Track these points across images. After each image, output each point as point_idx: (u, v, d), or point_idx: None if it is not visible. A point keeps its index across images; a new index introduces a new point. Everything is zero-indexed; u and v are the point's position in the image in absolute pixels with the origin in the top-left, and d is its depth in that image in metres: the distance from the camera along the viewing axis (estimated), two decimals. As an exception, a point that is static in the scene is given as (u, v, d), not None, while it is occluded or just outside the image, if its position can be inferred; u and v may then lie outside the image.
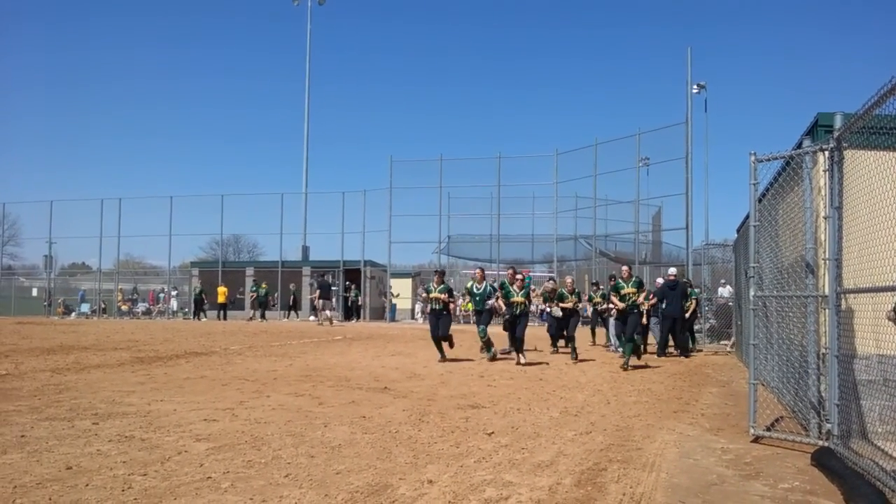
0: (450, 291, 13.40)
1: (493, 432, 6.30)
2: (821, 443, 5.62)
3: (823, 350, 5.69)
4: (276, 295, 34.16)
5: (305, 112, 40.80)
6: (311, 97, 39.99)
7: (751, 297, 6.80)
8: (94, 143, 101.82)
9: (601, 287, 18.87)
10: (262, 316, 31.71)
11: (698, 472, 5.12)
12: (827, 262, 5.54)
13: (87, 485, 4.47)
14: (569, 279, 15.79)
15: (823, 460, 5.19)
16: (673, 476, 4.95)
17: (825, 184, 5.67)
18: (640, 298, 12.68)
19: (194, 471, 4.86)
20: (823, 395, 5.71)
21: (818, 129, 6.60)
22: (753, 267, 6.66)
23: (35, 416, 6.78)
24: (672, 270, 16.61)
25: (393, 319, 32.39)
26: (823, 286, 5.70)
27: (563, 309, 14.94)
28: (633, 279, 12.79)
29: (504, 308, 12.90)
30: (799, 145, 6.39)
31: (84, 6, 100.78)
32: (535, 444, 5.85)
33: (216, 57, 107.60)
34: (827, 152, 5.63)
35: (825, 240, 5.61)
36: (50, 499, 4.16)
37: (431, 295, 13.31)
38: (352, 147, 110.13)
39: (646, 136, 27.50)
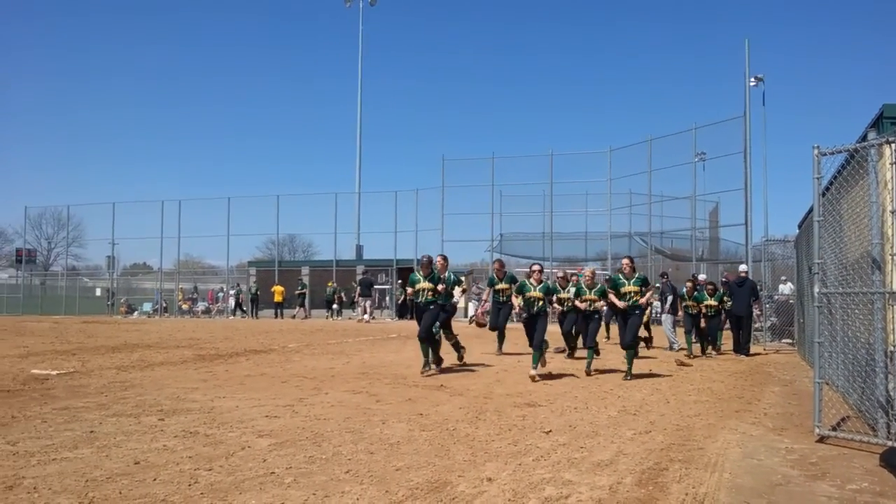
0: (513, 279, 13.64)
1: (550, 430, 6.28)
2: (889, 443, 5.45)
3: (891, 348, 5.53)
4: (342, 293, 34.40)
5: (358, 112, 41.28)
6: (364, 97, 40.35)
7: (815, 294, 6.64)
8: (155, 146, 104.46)
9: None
10: (336, 314, 32.50)
11: (762, 472, 5.03)
12: (894, 257, 5.38)
13: (154, 479, 4.61)
14: (588, 270, 13.11)
15: (893, 461, 5.04)
16: (736, 476, 4.86)
17: (892, 177, 5.50)
18: (644, 299, 10.75)
19: (258, 466, 4.97)
20: (892, 394, 5.55)
21: (884, 120, 6.41)
22: (818, 263, 6.50)
23: (103, 413, 7.01)
24: (743, 267, 16.38)
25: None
26: (891, 282, 5.54)
27: (579, 308, 12.63)
28: (637, 276, 10.75)
29: (519, 307, 11.01)
30: (864, 138, 6.20)
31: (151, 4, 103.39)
32: (593, 443, 5.82)
33: (270, 58, 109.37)
34: (893, 145, 5.46)
35: (892, 235, 5.45)
36: (120, 493, 4.30)
37: (496, 287, 13.58)
38: (404, 146, 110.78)
39: (702, 131, 27.00)
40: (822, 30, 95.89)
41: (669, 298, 15.96)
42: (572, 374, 10.72)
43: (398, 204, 34.73)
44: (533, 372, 9.82)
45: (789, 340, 17.50)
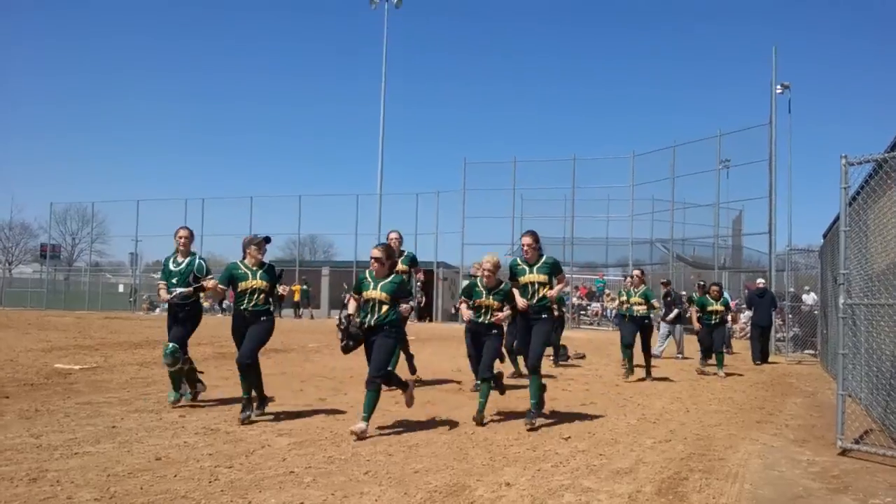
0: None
1: (569, 437, 6.26)
2: (915, 458, 5.39)
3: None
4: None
5: (381, 113, 41.24)
6: (387, 98, 40.44)
7: (840, 305, 6.57)
8: (178, 144, 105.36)
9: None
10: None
11: (783, 484, 4.98)
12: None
13: (175, 475, 4.65)
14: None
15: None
16: (757, 487, 4.82)
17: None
18: (553, 293, 8.28)
19: (277, 465, 5.00)
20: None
21: (913, 130, 6.32)
22: (843, 273, 6.43)
23: (125, 408, 7.08)
24: (761, 281, 16.33)
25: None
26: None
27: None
28: (544, 260, 7.37)
29: (468, 316, 7.53)
30: (892, 147, 6.14)
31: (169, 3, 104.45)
32: (613, 451, 5.79)
33: (295, 58, 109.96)
34: (924, 155, 5.39)
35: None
36: (141, 488, 4.34)
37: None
38: (425, 148, 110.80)
39: (727, 138, 26.73)
40: (849, 38, 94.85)
41: (675, 311, 15.35)
42: (592, 381, 10.66)
43: (419, 206, 34.79)
44: (477, 418, 6.80)
45: (812, 351, 17.33)
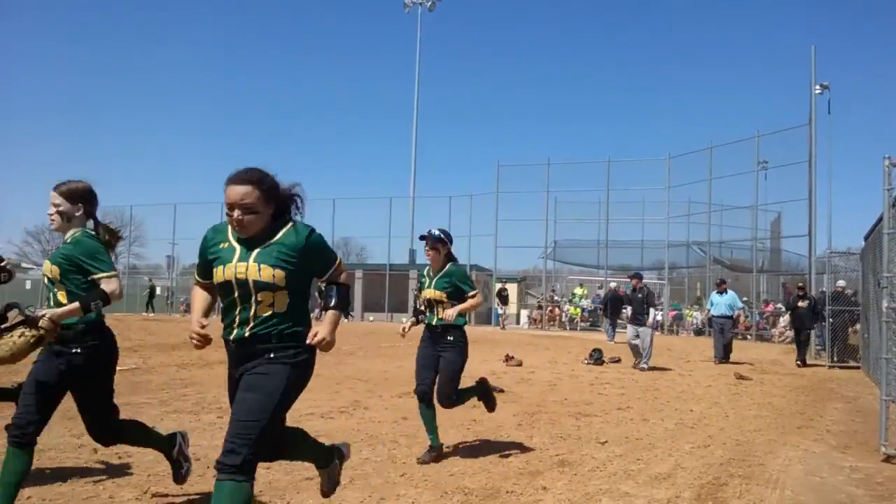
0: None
1: (606, 441, 6.20)
2: (964, 467, 5.25)
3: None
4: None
5: (414, 116, 41.44)
6: (420, 101, 40.57)
7: (884, 309, 6.43)
8: (213, 148, 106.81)
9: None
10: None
11: (826, 490, 4.89)
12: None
13: (214, 476, 4.69)
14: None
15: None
16: (799, 494, 4.74)
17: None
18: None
19: (311, 468, 5.01)
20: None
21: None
22: (887, 277, 6.30)
23: (164, 409, 7.18)
24: (841, 283, 16.10)
25: (498, 324, 32.37)
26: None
27: None
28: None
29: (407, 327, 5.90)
30: (940, 148, 5.99)
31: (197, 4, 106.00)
32: (650, 456, 5.73)
33: (328, 62, 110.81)
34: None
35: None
36: (181, 488, 4.39)
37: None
38: (459, 151, 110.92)
39: (765, 139, 26.37)
40: (891, 37, 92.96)
41: (653, 312, 13.57)
42: (627, 385, 10.57)
43: (452, 209, 34.80)
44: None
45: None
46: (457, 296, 5.49)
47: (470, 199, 34.22)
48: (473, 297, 5.50)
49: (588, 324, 30.31)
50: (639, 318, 13.25)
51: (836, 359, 15.08)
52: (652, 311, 13.39)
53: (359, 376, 10.35)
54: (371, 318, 34.47)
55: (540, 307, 32.49)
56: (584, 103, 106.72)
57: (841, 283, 16.01)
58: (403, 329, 5.84)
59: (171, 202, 41.57)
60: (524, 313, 31.36)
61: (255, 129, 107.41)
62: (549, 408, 7.99)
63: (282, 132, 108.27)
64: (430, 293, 5.55)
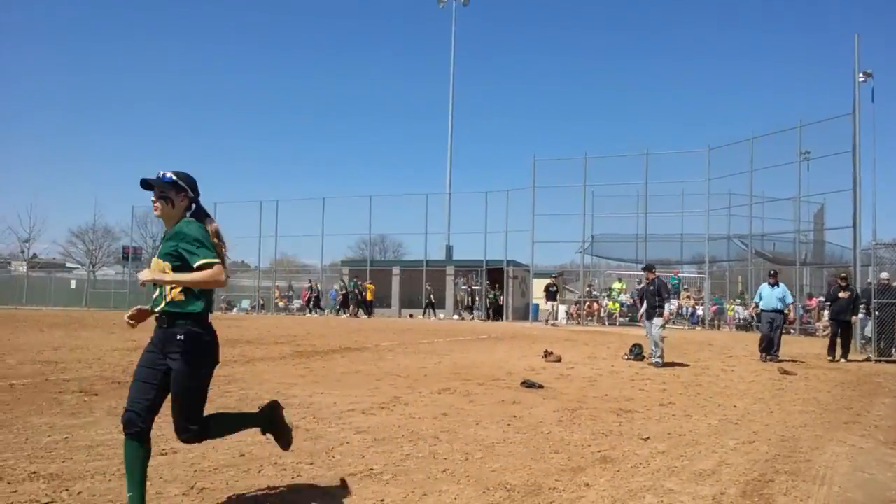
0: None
1: (648, 438, 6.14)
2: None
3: None
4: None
5: (450, 112, 41.45)
6: (455, 97, 40.52)
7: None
8: (252, 148, 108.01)
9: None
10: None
11: (874, 487, 4.78)
12: None
13: (259, 471, 4.77)
14: None
15: None
16: (847, 490, 4.65)
17: None
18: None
19: (357, 462, 5.06)
20: None
21: None
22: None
23: (208, 406, 7.24)
24: (885, 275, 15.77)
25: (536, 320, 32.26)
26: None
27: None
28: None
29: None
30: None
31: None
32: (694, 452, 5.66)
33: (363, 59, 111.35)
34: None
35: None
36: (227, 483, 4.46)
37: None
38: (495, 147, 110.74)
39: (807, 129, 25.83)
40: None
41: (668, 306, 13.13)
42: (669, 381, 10.45)
43: (488, 205, 34.76)
44: None
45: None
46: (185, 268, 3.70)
47: (506, 194, 34.17)
48: (204, 267, 3.64)
49: (627, 319, 30.04)
50: (652, 313, 12.90)
51: (882, 353, 14.77)
52: (667, 305, 13.04)
53: (398, 372, 10.39)
54: (410, 315, 34.58)
55: (577, 303, 32.31)
56: (620, 97, 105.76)
57: (884, 274, 15.65)
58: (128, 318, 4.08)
59: (212, 201, 42.01)
60: (562, 309, 31.18)
61: (291, 127, 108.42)
62: (589, 404, 7.94)
63: (317, 130, 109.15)
64: (157, 263, 3.80)
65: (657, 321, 12.77)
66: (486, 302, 34.02)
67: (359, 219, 39.38)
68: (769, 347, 13.94)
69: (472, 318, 33.63)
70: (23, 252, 57.53)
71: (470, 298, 34.73)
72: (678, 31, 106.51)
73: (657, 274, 13.52)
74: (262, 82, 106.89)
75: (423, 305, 34.45)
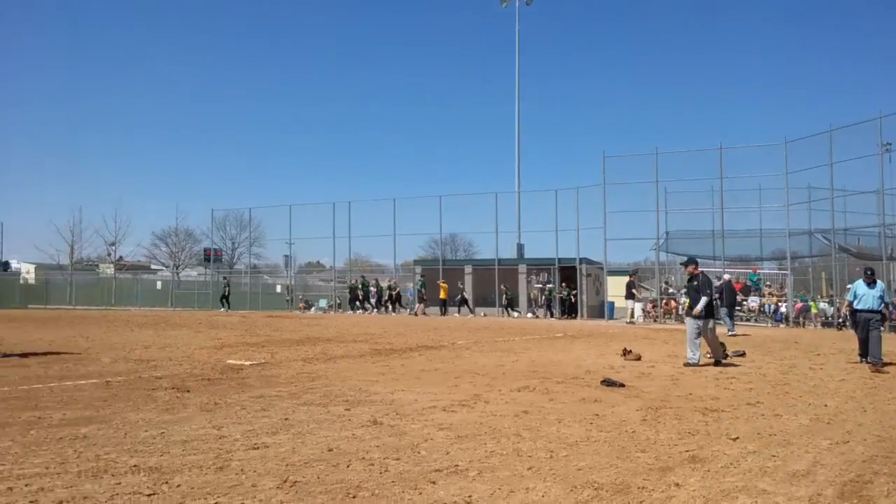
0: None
1: (737, 437, 6.01)
2: None
3: None
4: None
5: (516, 110, 41.30)
6: (522, 95, 40.35)
7: None
8: (326, 149, 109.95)
9: None
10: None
11: (984, 491, 4.56)
12: None
13: (348, 466, 4.86)
14: None
15: None
16: (954, 494, 4.45)
17: None
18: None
19: (442, 458, 5.11)
20: None
21: None
22: None
23: (294, 402, 7.46)
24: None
25: (612, 318, 31.83)
26: None
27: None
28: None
29: None
30: None
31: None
32: (786, 452, 5.51)
33: (429, 60, 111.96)
34: None
35: None
36: (318, 477, 4.56)
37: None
38: (564, 144, 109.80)
39: (888, 120, 24.75)
40: None
41: (703, 300, 12.02)
42: (755, 380, 10.17)
43: (559, 202, 34.44)
44: None
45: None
46: None
47: (576, 191, 33.75)
48: None
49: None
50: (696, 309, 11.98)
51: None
52: (703, 299, 11.97)
53: (476, 370, 10.43)
54: (483, 314, 34.60)
55: (654, 301, 31.75)
56: (693, 92, 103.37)
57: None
58: None
59: (287, 203, 42.95)
60: (638, 306, 30.66)
61: (362, 129, 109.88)
62: (673, 403, 7.80)
63: (388, 132, 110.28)
64: None
65: (688, 320, 12.10)
66: (559, 300, 33.76)
67: (429, 218, 39.65)
68: (874, 352, 12.79)
69: (547, 317, 33.43)
70: (109, 255, 59.94)
71: (544, 296, 34.53)
72: (749, 26, 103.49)
73: (699, 269, 12.75)
74: (334, 82, 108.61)
75: (498, 304, 34.46)
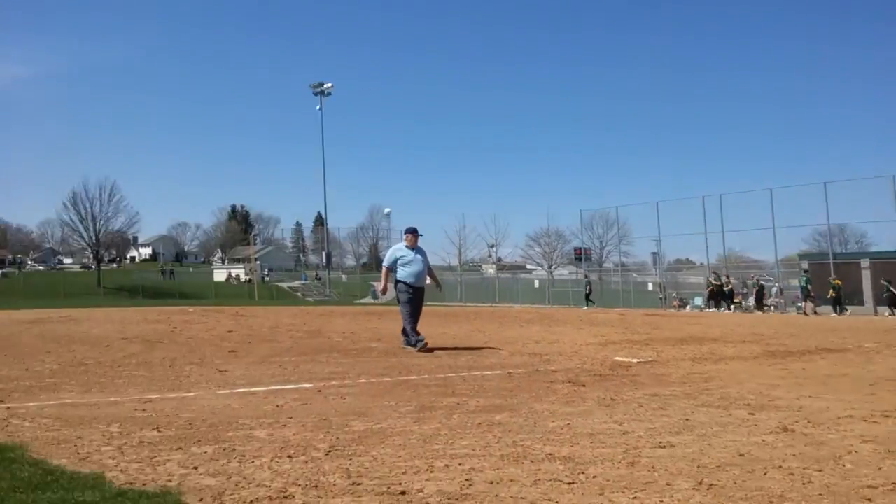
0: None
1: None
2: None
3: None
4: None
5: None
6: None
7: None
8: (694, 145, 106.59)
9: None
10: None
11: None
12: None
13: (764, 473, 4.62)
14: None
15: None
16: None
17: None
18: None
19: (873, 473, 4.62)
20: None
21: None
22: None
23: (691, 402, 7.32)
24: None
25: None
26: None
27: None
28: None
29: None
30: None
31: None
32: None
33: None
34: None
35: None
36: (734, 482, 4.40)
37: None
38: None
39: None
40: None
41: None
42: None
43: None
44: None
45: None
46: None
47: None
48: None
49: None
50: None
51: None
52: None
53: (893, 377, 9.26)
54: (887, 314, 30.67)
55: None
56: None
57: None
58: None
59: (653, 200, 42.58)
60: None
61: (741, 123, 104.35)
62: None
63: (767, 118, 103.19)
64: None
65: None
66: None
67: (812, 209, 36.20)
68: None
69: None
70: (490, 256, 65.13)
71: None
72: None
73: None
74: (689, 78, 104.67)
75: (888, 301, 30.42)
